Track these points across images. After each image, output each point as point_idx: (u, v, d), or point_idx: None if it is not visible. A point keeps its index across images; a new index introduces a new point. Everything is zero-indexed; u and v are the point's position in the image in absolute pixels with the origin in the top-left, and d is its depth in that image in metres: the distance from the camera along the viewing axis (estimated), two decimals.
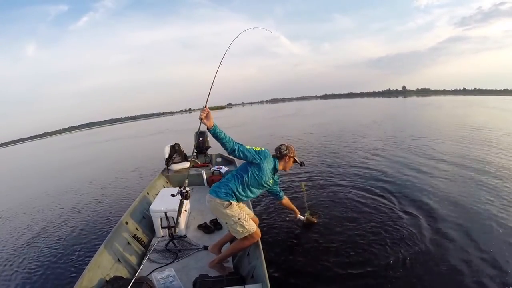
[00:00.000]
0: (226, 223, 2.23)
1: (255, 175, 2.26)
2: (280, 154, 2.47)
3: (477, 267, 2.52)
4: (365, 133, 11.26)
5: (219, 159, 5.51)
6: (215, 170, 4.62)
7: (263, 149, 2.32)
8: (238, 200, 2.28)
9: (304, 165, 2.66)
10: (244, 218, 2.20)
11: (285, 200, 2.87)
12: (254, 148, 2.26)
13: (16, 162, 20.00)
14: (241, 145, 2.16)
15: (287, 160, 2.47)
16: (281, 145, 2.50)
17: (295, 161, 2.55)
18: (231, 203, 2.20)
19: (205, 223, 3.22)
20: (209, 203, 2.28)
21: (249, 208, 2.76)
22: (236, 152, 2.12)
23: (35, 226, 4.72)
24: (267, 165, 2.30)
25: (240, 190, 2.25)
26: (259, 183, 2.30)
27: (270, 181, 2.38)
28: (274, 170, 2.39)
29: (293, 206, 3.06)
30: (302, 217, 3.28)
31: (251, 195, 2.34)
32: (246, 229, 2.17)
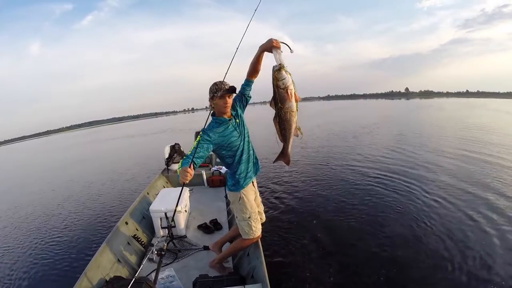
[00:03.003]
0: (236, 217, 2.19)
1: (229, 150, 1.99)
2: (210, 107, 1.98)
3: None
4: (367, 134, 11.22)
5: (219, 160, 5.51)
6: (215, 170, 4.62)
7: (200, 134, 1.91)
8: (247, 178, 2.09)
9: (234, 91, 1.91)
10: (254, 218, 2.14)
11: (248, 69, 2.01)
12: (195, 145, 1.84)
13: (18, 160, 20.09)
14: (185, 160, 1.77)
15: (212, 105, 1.95)
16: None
17: (222, 96, 1.86)
18: (241, 196, 2.10)
19: (205, 223, 3.22)
20: (228, 197, 2.26)
21: (259, 202, 2.37)
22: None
23: (35, 226, 4.73)
24: (218, 135, 1.91)
25: (242, 169, 2.06)
26: (236, 141, 1.99)
27: (237, 120, 2.01)
28: (222, 122, 1.95)
29: (256, 53, 1.85)
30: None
31: (251, 153, 2.10)
32: (253, 231, 2.14)
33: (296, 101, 1.63)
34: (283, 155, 1.79)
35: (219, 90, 1.86)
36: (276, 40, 1.69)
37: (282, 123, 1.65)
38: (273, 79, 1.59)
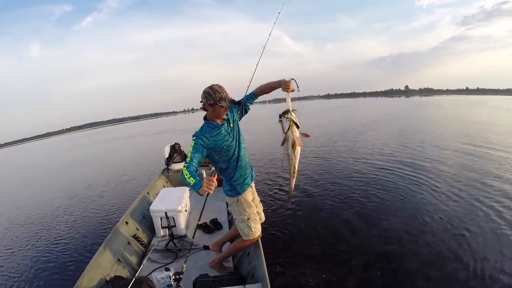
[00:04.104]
0: (235, 219, 2.20)
1: (222, 154, 1.98)
2: (202, 108, 1.95)
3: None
4: (367, 132, 11.21)
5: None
6: (215, 170, 4.61)
7: (193, 139, 1.89)
8: (244, 185, 2.10)
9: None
10: (253, 219, 2.14)
11: (259, 88, 2.10)
12: (191, 150, 1.85)
13: (19, 162, 20.12)
14: (190, 168, 1.75)
15: (208, 109, 1.92)
16: (201, 94, 1.92)
17: (221, 103, 1.83)
18: (239, 199, 2.10)
19: (205, 223, 3.22)
20: (226, 199, 2.27)
21: (257, 202, 2.36)
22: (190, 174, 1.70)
23: (35, 227, 4.74)
24: (211, 139, 1.89)
25: (239, 176, 2.06)
26: (230, 146, 1.97)
27: (230, 125, 2.00)
28: (215, 126, 1.93)
29: (271, 83, 1.96)
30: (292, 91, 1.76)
31: (245, 159, 2.10)
32: (252, 231, 2.14)
33: (299, 145, 1.70)
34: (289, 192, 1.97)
35: (223, 100, 1.82)
36: (285, 82, 1.76)
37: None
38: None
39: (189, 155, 1.83)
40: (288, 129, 1.68)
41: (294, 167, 1.75)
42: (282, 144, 1.73)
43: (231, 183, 2.07)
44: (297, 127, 1.69)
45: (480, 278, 2.38)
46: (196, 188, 1.63)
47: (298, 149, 1.71)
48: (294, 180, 1.85)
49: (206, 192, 1.59)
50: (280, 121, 1.71)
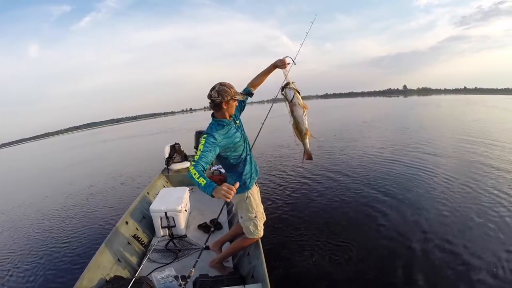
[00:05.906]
0: (241, 217, 2.18)
1: (234, 150, 1.97)
2: (214, 106, 1.90)
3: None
4: (365, 131, 11.23)
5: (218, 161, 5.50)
6: (215, 170, 4.61)
7: (204, 136, 1.83)
8: (251, 179, 2.09)
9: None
10: (259, 217, 2.15)
11: (252, 81, 2.21)
12: (202, 148, 1.76)
13: (18, 163, 20.07)
14: (198, 167, 1.65)
15: (224, 106, 1.87)
16: (211, 92, 1.87)
17: (237, 98, 1.92)
18: (248, 196, 2.09)
19: (205, 223, 3.22)
20: (233, 198, 2.25)
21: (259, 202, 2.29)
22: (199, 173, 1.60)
23: (34, 226, 4.73)
24: (223, 136, 1.87)
25: (248, 170, 2.05)
26: (240, 141, 1.98)
27: (237, 122, 2.05)
28: (225, 124, 1.91)
29: (263, 71, 2.19)
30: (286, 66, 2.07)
31: (252, 154, 2.13)
32: (258, 230, 2.15)
33: (306, 109, 1.93)
34: (304, 153, 2.08)
35: (237, 94, 1.91)
36: (281, 60, 2.07)
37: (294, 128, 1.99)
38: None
39: (198, 153, 1.74)
40: (294, 96, 1.91)
41: (306, 128, 1.95)
42: (291, 111, 1.95)
43: (241, 178, 2.04)
44: (299, 93, 1.94)
45: (480, 278, 2.39)
46: (209, 190, 1.52)
47: (306, 112, 1.95)
48: (308, 141, 2.01)
49: (223, 198, 1.48)
50: (283, 93, 1.96)
